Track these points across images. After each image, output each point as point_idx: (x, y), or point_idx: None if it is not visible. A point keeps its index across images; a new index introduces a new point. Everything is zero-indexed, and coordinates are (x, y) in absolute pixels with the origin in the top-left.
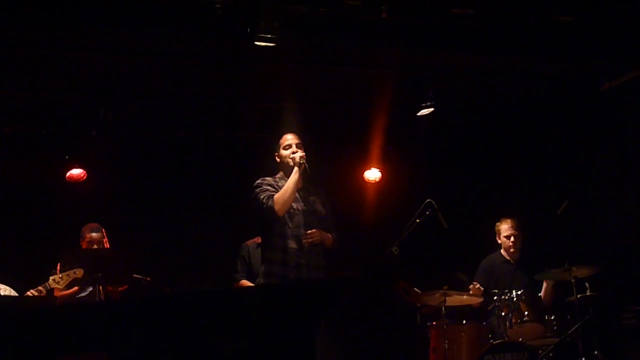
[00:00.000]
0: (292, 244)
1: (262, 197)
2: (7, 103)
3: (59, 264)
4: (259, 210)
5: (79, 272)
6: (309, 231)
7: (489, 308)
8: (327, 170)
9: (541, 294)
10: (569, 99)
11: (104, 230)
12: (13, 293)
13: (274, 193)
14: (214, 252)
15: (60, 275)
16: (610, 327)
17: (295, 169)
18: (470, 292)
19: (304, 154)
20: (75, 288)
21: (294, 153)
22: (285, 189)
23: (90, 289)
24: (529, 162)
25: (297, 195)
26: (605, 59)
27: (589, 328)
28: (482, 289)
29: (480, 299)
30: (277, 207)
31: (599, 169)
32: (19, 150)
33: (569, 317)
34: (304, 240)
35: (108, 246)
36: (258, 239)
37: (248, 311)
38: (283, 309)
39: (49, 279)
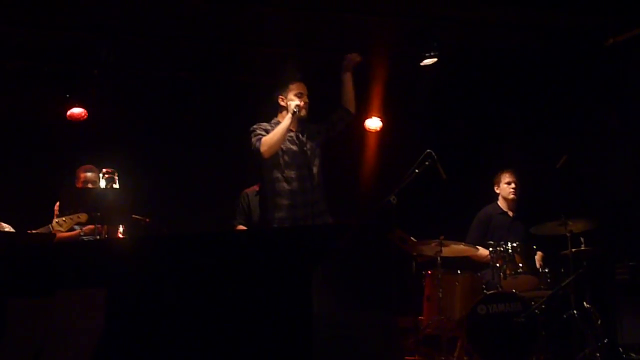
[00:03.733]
0: (295, 186)
1: (253, 139)
2: (9, 39)
3: (57, 203)
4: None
5: (82, 217)
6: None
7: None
8: (327, 117)
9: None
10: (572, 53)
11: (116, 173)
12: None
13: (264, 135)
14: (212, 196)
15: (64, 219)
16: (603, 281)
17: (289, 115)
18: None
19: (302, 103)
20: (77, 231)
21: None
22: (274, 132)
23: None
24: (529, 115)
25: (294, 136)
26: (610, 14)
27: (581, 282)
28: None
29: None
30: (262, 149)
31: (600, 124)
32: (20, 87)
33: (562, 270)
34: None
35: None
36: (257, 187)
37: (246, 254)
38: (280, 253)
39: (52, 222)
